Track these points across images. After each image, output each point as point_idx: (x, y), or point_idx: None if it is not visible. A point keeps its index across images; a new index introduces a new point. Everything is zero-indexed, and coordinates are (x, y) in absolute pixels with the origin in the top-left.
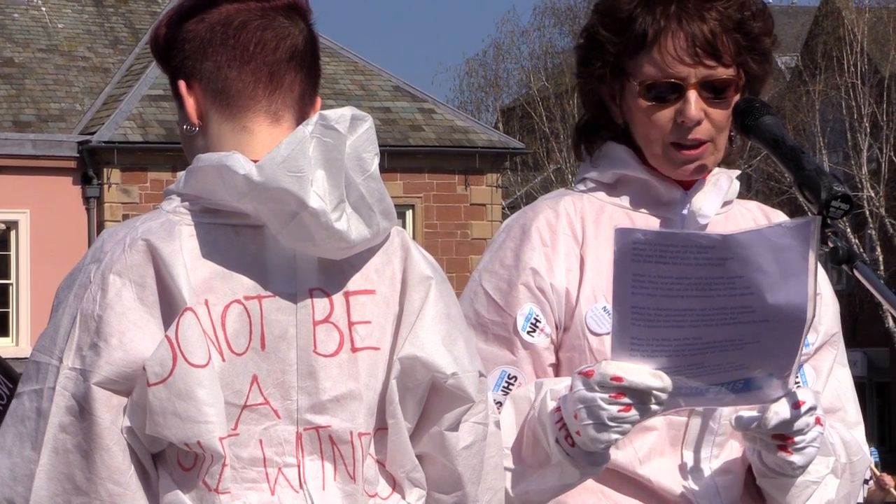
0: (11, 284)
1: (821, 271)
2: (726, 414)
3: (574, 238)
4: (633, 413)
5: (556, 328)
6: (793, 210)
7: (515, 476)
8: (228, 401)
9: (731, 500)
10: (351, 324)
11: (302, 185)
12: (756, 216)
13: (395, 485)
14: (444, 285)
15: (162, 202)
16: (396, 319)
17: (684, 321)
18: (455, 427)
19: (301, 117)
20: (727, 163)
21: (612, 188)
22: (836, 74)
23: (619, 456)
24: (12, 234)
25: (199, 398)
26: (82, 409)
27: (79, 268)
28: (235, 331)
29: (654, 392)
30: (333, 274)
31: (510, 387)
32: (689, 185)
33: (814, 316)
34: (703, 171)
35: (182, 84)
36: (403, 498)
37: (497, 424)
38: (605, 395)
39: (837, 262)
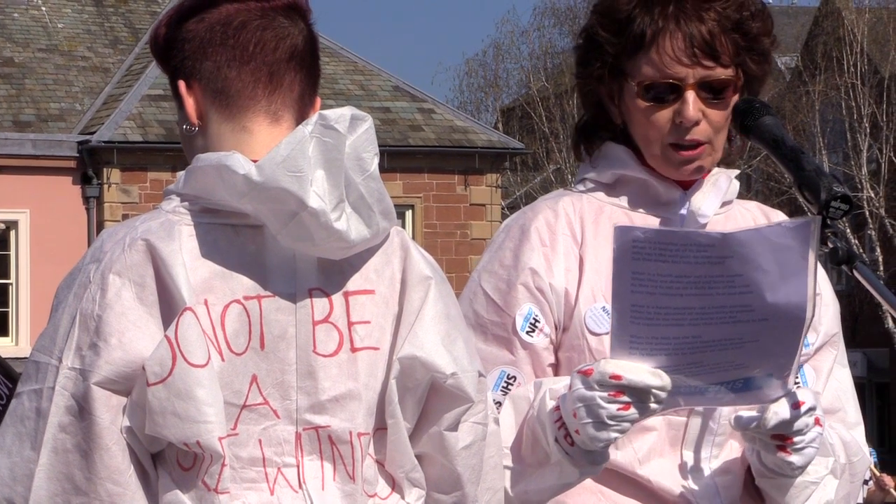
0: (11, 284)
1: (821, 272)
2: (726, 414)
3: (573, 238)
4: (633, 412)
5: (556, 328)
6: (793, 210)
7: (515, 475)
8: (228, 401)
9: (730, 500)
10: (350, 324)
11: (301, 185)
12: (756, 216)
13: (394, 485)
14: (443, 285)
15: (161, 202)
16: (396, 319)
17: (683, 319)
18: (454, 427)
19: (301, 117)
20: (727, 163)
21: (611, 188)
22: (835, 75)
23: (618, 456)
24: (12, 233)
25: (198, 398)
26: (82, 409)
27: (78, 268)
28: (235, 331)
29: (654, 391)
30: (333, 274)
31: (509, 387)
32: (688, 185)
33: (813, 316)
34: (701, 171)
35: (182, 84)
36: (403, 498)
37: (496, 424)
38: (605, 394)
39: (837, 262)
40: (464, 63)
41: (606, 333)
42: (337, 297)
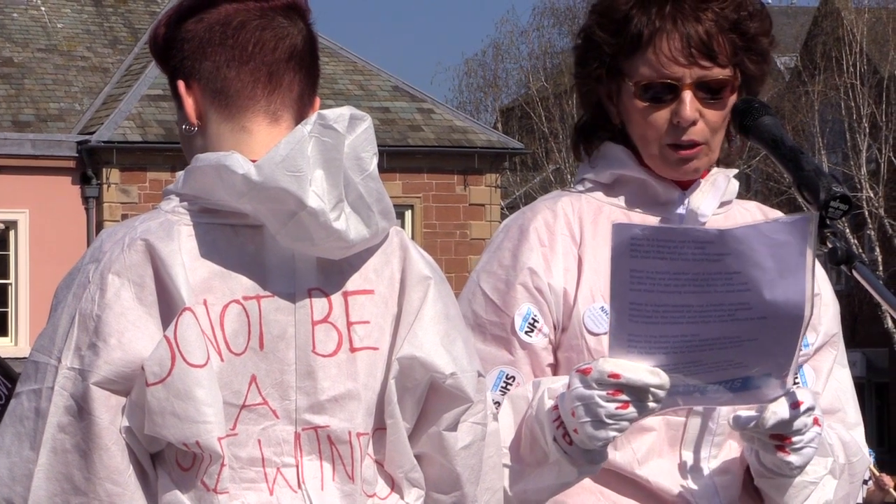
0: (10, 284)
1: (821, 272)
2: (724, 414)
3: (572, 238)
4: (631, 410)
5: (554, 328)
6: (792, 210)
7: (514, 475)
8: (227, 401)
9: (729, 500)
10: (350, 324)
11: (300, 185)
12: (755, 216)
13: (393, 485)
14: (442, 285)
15: (161, 202)
16: (395, 319)
17: (682, 318)
18: (454, 427)
19: (300, 117)
20: (726, 163)
21: (610, 188)
22: (835, 75)
23: (617, 456)
24: (11, 233)
25: (197, 398)
26: (81, 409)
27: (77, 267)
28: (234, 331)
29: (652, 389)
30: (332, 274)
31: (508, 387)
32: (686, 185)
33: (811, 314)
34: (699, 171)
35: (181, 84)
36: (402, 498)
37: (496, 424)
38: (603, 393)
39: (836, 262)
40: (463, 63)
41: (605, 333)
42: (336, 297)
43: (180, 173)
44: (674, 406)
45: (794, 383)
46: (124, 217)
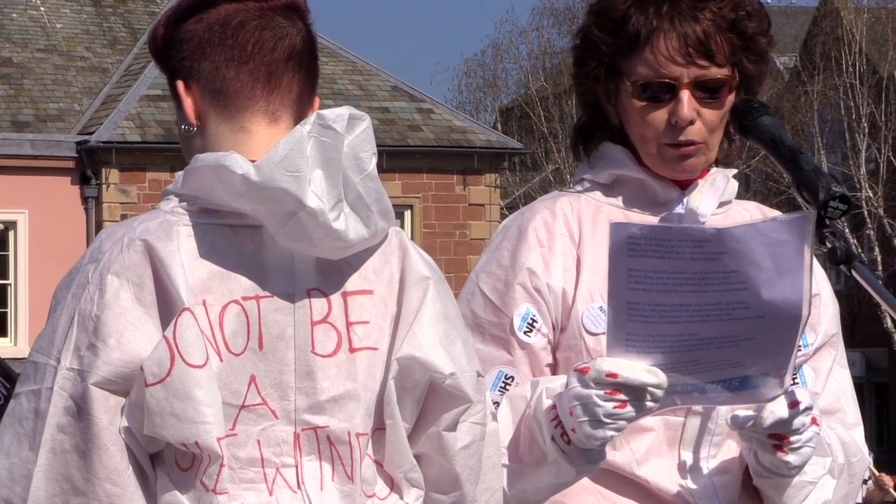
0: (10, 284)
1: (821, 272)
2: (723, 414)
3: (571, 238)
4: (629, 410)
5: (553, 328)
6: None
7: (512, 475)
8: (226, 401)
9: (728, 499)
10: (349, 324)
11: (300, 185)
12: (755, 217)
13: (393, 485)
14: (442, 285)
15: (160, 202)
16: (394, 320)
17: (680, 317)
18: (453, 427)
19: (299, 117)
20: (725, 163)
21: (609, 188)
22: (834, 75)
23: (616, 457)
24: (11, 234)
25: (196, 398)
26: (80, 410)
27: (77, 268)
28: (233, 331)
29: (650, 389)
30: (331, 274)
31: (507, 387)
32: (685, 185)
33: (809, 313)
34: (697, 171)
35: (180, 84)
36: (401, 498)
37: (495, 424)
38: (601, 392)
39: (836, 262)
40: (462, 63)
41: (604, 333)
42: (335, 298)
43: (179, 173)
44: (672, 405)
45: (794, 383)
46: (124, 217)
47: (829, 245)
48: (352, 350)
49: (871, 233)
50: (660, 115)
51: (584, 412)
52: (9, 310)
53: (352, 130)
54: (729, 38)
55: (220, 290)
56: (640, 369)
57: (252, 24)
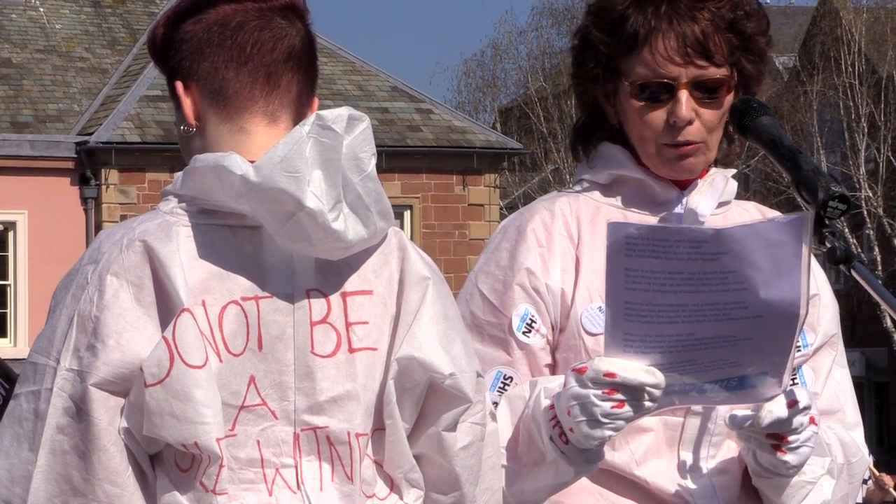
0: (9, 285)
1: (821, 272)
2: (722, 414)
3: (570, 238)
4: (627, 409)
5: (552, 329)
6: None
7: (511, 475)
8: (226, 402)
9: (728, 500)
10: (348, 324)
11: (299, 186)
12: (754, 217)
13: (392, 485)
14: (441, 286)
15: (159, 203)
16: (394, 320)
17: (677, 317)
18: (453, 427)
19: (298, 118)
20: (724, 163)
21: (608, 188)
22: (833, 75)
23: (615, 457)
24: (10, 234)
25: (196, 399)
26: (79, 411)
27: (76, 269)
28: (233, 331)
29: (648, 388)
30: (331, 274)
31: (506, 387)
32: (684, 185)
33: (807, 313)
34: (696, 171)
35: (179, 85)
36: (401, 498)
37: (495, 424)
38: (598, 392)
39: (835, 262)
40: (462, 63)
41: (602, 333)
42: (335, 298)
43: (178, 174)
44: (670, 405)
45: (793, 383)
46: (123, 218)
47: (828, 245)
48: (351, 350)
49: (871, 232)
50: (658, 116)
51: (582, 412)
52: (8, 310)
53: (351, 131)
54: (727, 38)
55: (219, 291)
56: (638, 369)
57: (251, 25)
